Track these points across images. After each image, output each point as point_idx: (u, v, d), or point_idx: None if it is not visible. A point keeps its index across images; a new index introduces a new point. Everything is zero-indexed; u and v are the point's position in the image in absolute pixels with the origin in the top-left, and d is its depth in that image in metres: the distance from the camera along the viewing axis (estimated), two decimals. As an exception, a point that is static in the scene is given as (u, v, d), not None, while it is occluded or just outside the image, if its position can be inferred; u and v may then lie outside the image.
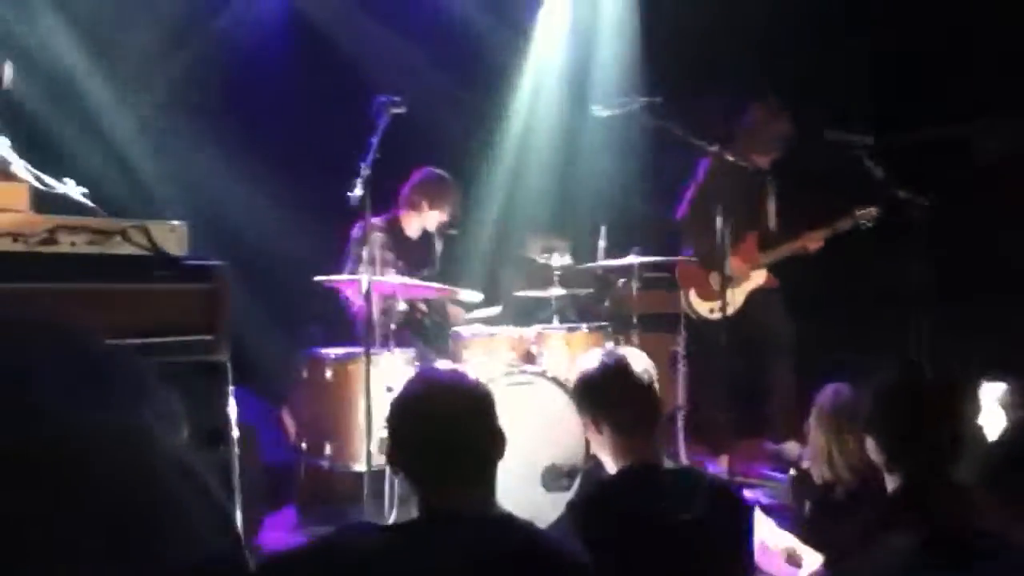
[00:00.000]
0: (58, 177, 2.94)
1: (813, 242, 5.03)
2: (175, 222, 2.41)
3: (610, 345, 4.42)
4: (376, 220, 4.48)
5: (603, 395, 2.24)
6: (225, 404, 2.50)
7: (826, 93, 5.46)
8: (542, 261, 4.81)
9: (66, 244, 2.19)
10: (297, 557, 1.58)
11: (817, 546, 2.64)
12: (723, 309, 4.18)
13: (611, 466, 2.25)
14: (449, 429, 1.67)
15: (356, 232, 4.73)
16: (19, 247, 2.10)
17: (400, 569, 1.51)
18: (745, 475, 4.62)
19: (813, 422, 2.84)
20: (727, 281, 4.19)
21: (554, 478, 3.82)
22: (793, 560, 2.88)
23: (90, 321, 2.21)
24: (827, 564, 2.44)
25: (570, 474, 3.86)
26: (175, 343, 2.36)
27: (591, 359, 2.32)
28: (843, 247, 5.08)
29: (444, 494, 1.66)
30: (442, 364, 1.95)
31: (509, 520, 1.61)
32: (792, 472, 3.75)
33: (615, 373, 2.24)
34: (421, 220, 4.90)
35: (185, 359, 2.35)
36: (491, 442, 1.72)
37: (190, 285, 2.39)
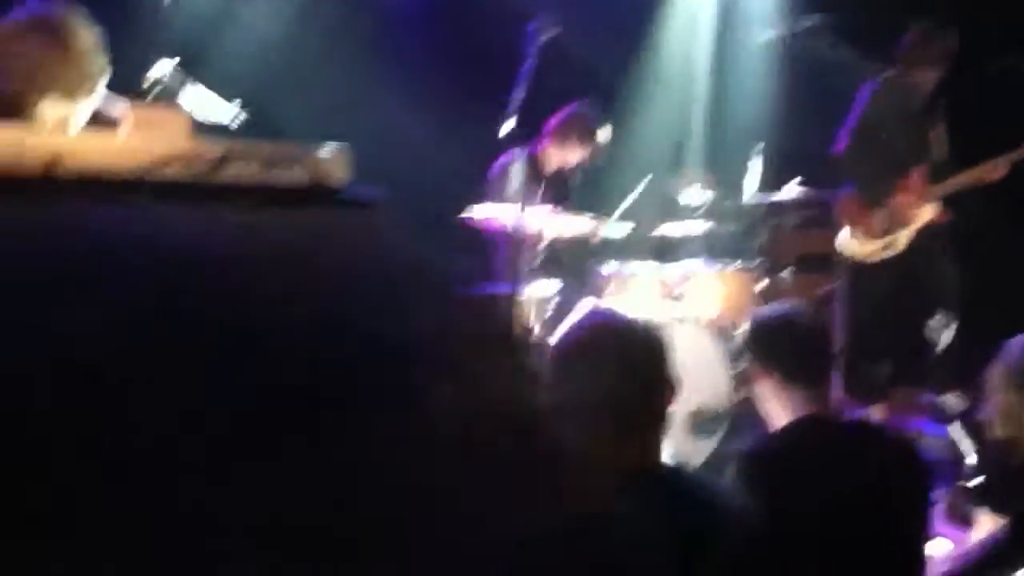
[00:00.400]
0: (226, 98, 2.98)
1: (994, 171, 4.60)
2: (338, 147, 2.39)
3: (762, 284, 4.25)
4: (514, 154, 4.40)
5: (781, 342, 2.12)
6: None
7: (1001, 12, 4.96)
8: (684, 195, 4.64)
9: (235, 171, 2.19)
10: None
11: (993, 507, 2.47)
12: (888, 248, 3.89)
13: (780, 418, 2.13)
14: (617, 377, 1.59)
15: (495, 169, 4.67)
16: (189, 175, 2.11)
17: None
18: (900, 427, 4.39)
19: (998, 377, 2.61)
20: (900, 218, 3.89)
21: (700, 423, 3.72)
22: (958, 517, 2.72)
23: (254, 250, 2.23)
24: (1013, 527, 2.26)
25: (716, 420, 3.75)
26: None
27: (772, 308, 2.22)
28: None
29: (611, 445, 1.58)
30: (607, 306, 1.87)
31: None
32: (955, 425, 3.54)
33: (795, 321, 2.11)
34: (564, 155, 4.77)
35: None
36: (663, 391, 1.63)
37: (351, 211, 2.37)
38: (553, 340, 1.70)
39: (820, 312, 3.88)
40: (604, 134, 4.68)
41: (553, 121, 4.70)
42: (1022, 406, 2.52)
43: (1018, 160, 4.56)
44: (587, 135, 4.66)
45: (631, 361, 1.59)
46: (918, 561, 2.03)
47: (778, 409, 2.16)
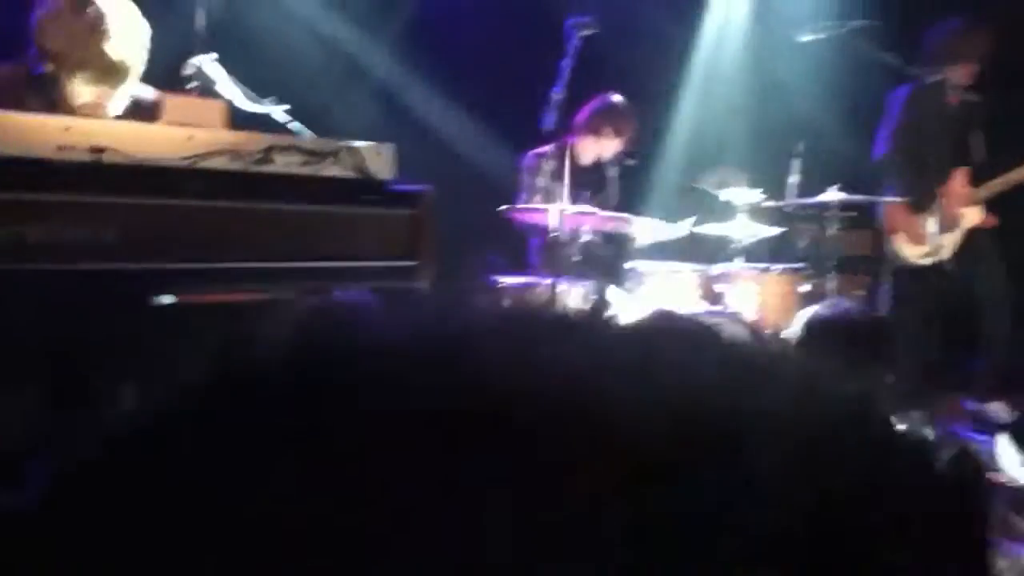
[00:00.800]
0: (262, 95, 2.94)
1: None
2: (383, 144, 2.34)
3: (804, 287, 4.16)
4: (547, 148, 4.33)
5: (842, 340, 2.05)
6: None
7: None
8: (722, 195, 4.54)
9: (280, 163, 2.15)
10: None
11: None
12: (935, 253, 3.81)
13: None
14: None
15: (528, 161, 4.61)
16: (237, 165, 2.07)
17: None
18: (943, 434, 4.28)
19: None
20: (946, 222, 3.80)
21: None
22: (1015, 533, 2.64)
23: (300, 242, 2.19)
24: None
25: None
26: (379, 268, 2.32)
27: (826, 305, 2.15)
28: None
29: None
30: (677, 309, 1.81)
31: None
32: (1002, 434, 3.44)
33: (857, 319, 2.05)
34: (598, 147, 4.69)
35: (387, 284, 2.31)
36: None
37: (396, 210, 2.33)
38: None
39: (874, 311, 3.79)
40: (633, 127, 4.60)
41: (584, 113, 4.61)
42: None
43: None
44: (620, 125, 4.58)
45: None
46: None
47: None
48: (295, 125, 2.80)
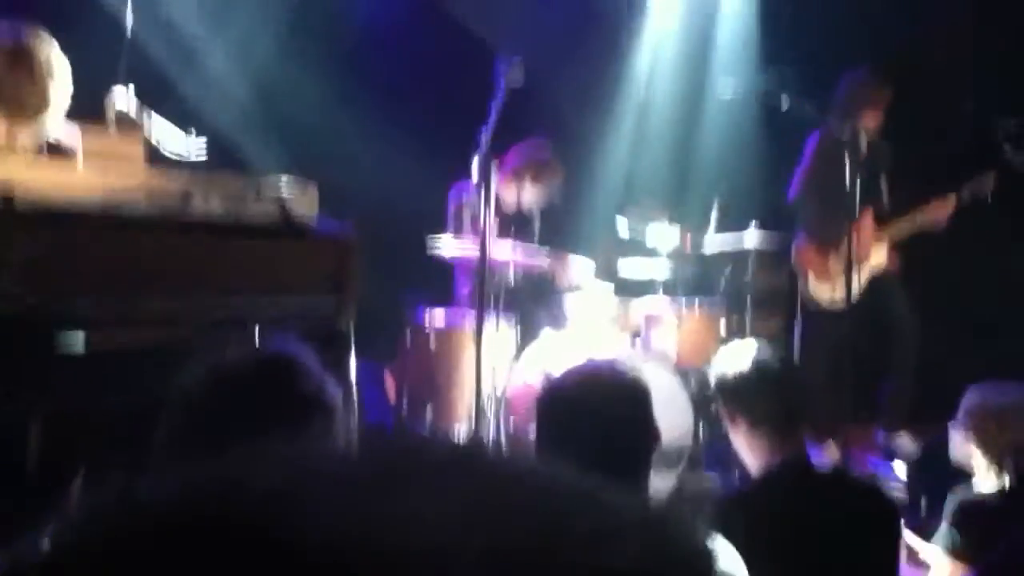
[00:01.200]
0: (182, 128, 2.91)
1: (937, 211, 4.73)
2: (306, 181, 2.34)
3: (722, 324, 4.26)
4: (474, 184, 4.38)
5: (756, 388, 2.12)
6: (347, 370, 2.45)
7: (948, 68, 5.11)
8: (647, 234, 4.65)
9: (199, 202, 2.13)
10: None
11: (965, 549, 2.49)
12: (848, 289, 3.97)
13: (753, 464, 2.12)
14: (605, 427, 1.57)
15: (455, 196, 4.65)
16: (153, 205, 2.05)
17: None
18: (853, 465, 4.42)
19: (967, 416, 2.63)
20: (851, 261, 3.96)
21: (661, 458, 3.69)
22: (914, 559, 2.74)
23: (221, 283, 2.17)
24: (983, 572, 2.27)
25: (677, 456, 3.74)
26: (302, 306, 2.31)
27: (738, 350, 2.21)
28: (973, 231, 4.79)
29: None
30: (595, 355, 1.86)
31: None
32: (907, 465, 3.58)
33: (762, 368, 2.11)
34: (522, 191, 4.77)
35: (311, 323, 2.30)
36: (648, 440, 1.61)
37: (319, 248, 2.32)
38: (539, 391, 1.69)
39: (783, 354, 3.91)
40: (556, 176, 4.68)
41: (510, 156, 4.70)
42: (991, 446, 2.55)
43: (964, 199, 4.70)
44: (543, 173, 4.66)
45: (619, 415, 1.58)
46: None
47: (749, 452, 2.16)
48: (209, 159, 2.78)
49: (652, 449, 1.63)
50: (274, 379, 1.27)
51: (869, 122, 4.78)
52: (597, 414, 1.58)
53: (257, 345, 1.32)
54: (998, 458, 2.55)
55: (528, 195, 4.75)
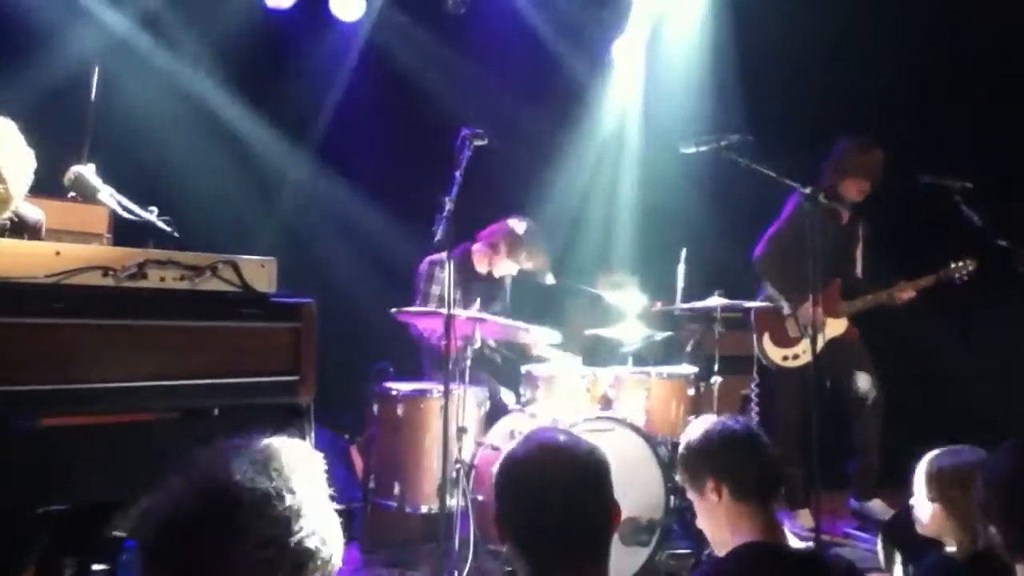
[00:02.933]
0: (143, 206, 2.89)
1: (904, 292, 4.77)
2: (264, 258, 2.33)
3: (691, 391, 4.24)
4: (442, 256, 4.39)
5: (728, 456, 2.11)
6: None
7: (924, 137, 5.19)
8: (614, 300, 4.67)
9: (155, 279, 2.11)
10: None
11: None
12: (797, 357, 3.97)
13: (724, 538, 2.09)
14: (563, 503, 1.54)
15: (423, 268, 4.66)
16: (108, 281, 2.02)
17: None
18: (828, 533, 4.38)
19: (928, 484, 2.61)
20: (810, 327, 3.97)
21: (632, 532, 3.64)
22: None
23: (177, 360, 2.13)
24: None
25: (649, 528, 3.68)
26: (259, 384, 2.27)
27: (709, 420, 2.21)
28: (940, 298, 4.84)
29: (556, 573, 1.52)
30: (552, 427, 1.83)
31: None
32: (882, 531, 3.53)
33: (742, 435, 2.11)
34: (492, 263, 4.80)
35: (268, 400, 2.26)
36: (607, 517, 1.58)
37: (278, 324, 2.29)
38: (498, 463, 1.66)
39: (731, 410, 3.93)
40: (538, 257, 4.71)
41: (489, 229, 4.75)
42: (952, 513, 2.52)
43: (926, 287, 4.74)
44: (514, 250, 4.69)
45: (577, 488, 1.56)
46: None
47: (721, 525, 2.13)
48: (175, 236, 2.76)
49: (611, 527, 1.60)
50: (224, 521, 1.10)
51: (853, 191, 4.80)
52: (553, 491, 1.56)
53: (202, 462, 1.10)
54: (970, 520, 2.52)
55: (501, 268, 4.78)
